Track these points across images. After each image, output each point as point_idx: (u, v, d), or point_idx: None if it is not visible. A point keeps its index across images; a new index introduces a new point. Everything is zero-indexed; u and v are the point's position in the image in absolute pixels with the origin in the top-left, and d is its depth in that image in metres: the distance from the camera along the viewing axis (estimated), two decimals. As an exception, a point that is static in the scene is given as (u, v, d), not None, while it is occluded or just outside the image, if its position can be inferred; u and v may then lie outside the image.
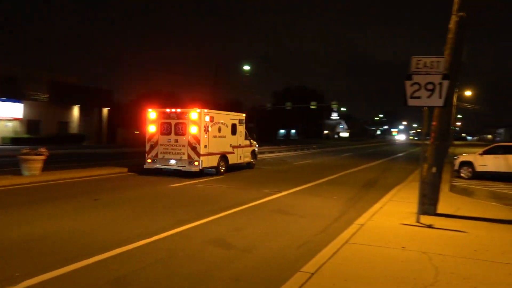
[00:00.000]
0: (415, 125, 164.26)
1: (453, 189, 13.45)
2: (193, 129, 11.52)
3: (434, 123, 8.23)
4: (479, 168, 16.59)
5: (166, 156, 11.80)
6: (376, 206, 9.37)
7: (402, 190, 12.15)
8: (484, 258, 5.49)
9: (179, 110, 11.85)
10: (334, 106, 56.17)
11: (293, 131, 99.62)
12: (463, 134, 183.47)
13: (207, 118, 11.96)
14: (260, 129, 41.33)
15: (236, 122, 13.95)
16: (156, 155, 11.91)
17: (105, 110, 36.56)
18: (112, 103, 37.98)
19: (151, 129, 12.07)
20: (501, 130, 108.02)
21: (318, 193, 11.64)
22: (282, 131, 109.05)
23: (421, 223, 7.46)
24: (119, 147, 30.22)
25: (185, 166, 11.54)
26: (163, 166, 11.85)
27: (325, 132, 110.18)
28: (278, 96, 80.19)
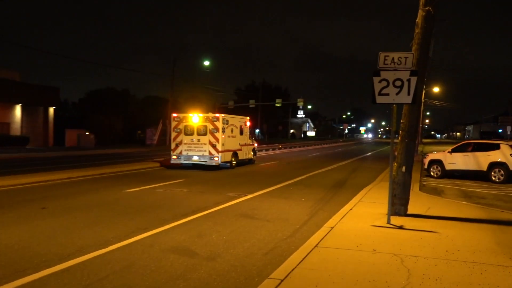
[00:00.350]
0: (383, 123, 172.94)
1: (423, 188, 14.15)
2: (213, 131, 16.13)
3: (403, 121, 8.67)
4: (448, 167, 17.50)
5: (190, 153, 16.23)
6: (346, 207, 9.64)
7: (372, 191, 12.65)
8: (456, 258, 5.76)
9: (201, 114, 16.34)
10: (300, 104, 57.13)
11: (257, 130, 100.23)
12: (432, 132, 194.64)
13: (224, 121, 16.41)
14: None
15: (243, 124, 18.81)
16: (181, 152, 16.34)
17: (51, 110, 35.32)
18: (59, 101, 37.06)
19: (176, 130, 16.45)
20: (469, 127, 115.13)
21: (286, 196, 11.91)
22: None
23: (392, 225, 7.79)
24: (67, 150, 30.06)
25: (206, 161, 16.04)
26: (187, 162, 16.19)
27: (292, 131, 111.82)
28: (241, 94, 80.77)
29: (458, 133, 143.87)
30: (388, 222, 7.95)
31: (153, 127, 41.76)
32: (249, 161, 20.19)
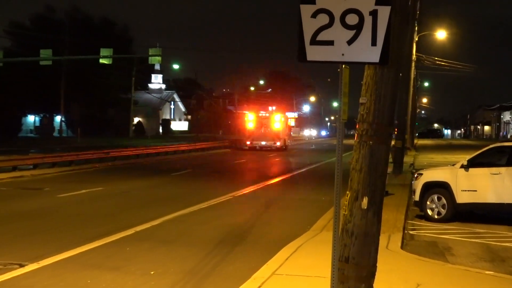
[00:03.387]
0: (335, 104, 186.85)
1: (410, 243, 14.94)
2: (276, 125, 71.23)
3: (363, 101, 8.95)
4: (461, 197, 18.59)
5: (260, 140, 70.15)
6: (245, 290, 10.26)
7: (303, 251, 13.17)
8: None
9: (267, 114, 76.61)
10: (155, 61, 56.87)
11: (58, 118, 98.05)
12: (435, 125, 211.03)
13: (281, 118, 73.37)
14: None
15: (288, 119, 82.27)
16: (253, 140, 69.68)
17: None
18: None
19: (250, 125, 71.10)
20: (509, 115, 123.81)
21: (116, 264, 12.56)
22: (31, 119, 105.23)
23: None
24: None
25: (271, 146, 69.19)
26: (257, 145, 69.51)
27: (138, 120, 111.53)
28: (24, 36, 79.19)
29: (486, 127, 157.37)
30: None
31: None
32: (285, 148, 70.42)
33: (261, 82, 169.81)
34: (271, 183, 30.99)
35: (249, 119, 71.10)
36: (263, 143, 68.67)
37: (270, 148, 68.00)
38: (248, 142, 69.33)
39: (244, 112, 72.61)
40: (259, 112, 76.31)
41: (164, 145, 60.19)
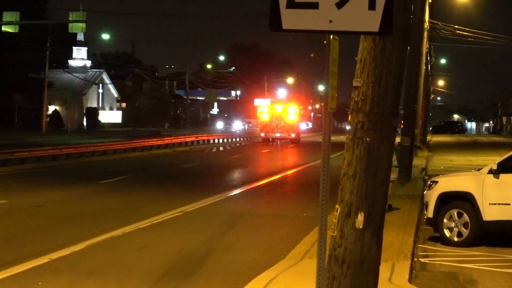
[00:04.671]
0: (321, 88, 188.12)
1: (420, 275, 15.01)
2: (290, 116, 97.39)
3: (357, 85, 8.98)
4: (490, 213, 18.67)
5: (274, 131, 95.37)
6: None
7: (278, 285, 13.15)
8: None
9: (282, 105, 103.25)
10: (78, 29, 56.25)
11: None
12: (454, 116, 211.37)
13: (295, 109, 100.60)
14: None
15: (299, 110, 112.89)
16: (267, 131, 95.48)
17: None
18: None
19: (264, 116, 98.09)
20: None
21: None
22: None
23: None
24: None
25: (286, 137, 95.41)
26: (271, 137, 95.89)
27: (53, 109, 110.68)
28: None
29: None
30: None
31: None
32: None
33: (221, 58, 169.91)
34: (238, 193, 31.34)
35: (263, 111, 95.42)
36: (277, 135, 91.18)
37: (285, 140, 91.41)
38: (262, 134, 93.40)
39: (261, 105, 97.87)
40: (274, 105, 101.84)
41: (92, 142, 59.54)
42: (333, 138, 8.84)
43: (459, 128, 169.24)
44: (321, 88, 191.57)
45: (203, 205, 26.73)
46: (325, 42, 8.33)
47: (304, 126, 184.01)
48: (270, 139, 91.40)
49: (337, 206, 8.97)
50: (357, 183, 9.00)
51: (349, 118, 9.08)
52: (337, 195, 8.84)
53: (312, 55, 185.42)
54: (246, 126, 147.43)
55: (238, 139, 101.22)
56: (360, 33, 8.32)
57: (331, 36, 8.27)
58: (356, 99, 8.91)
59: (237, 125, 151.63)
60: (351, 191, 8.98)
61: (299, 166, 49.54)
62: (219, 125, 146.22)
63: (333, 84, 8.65)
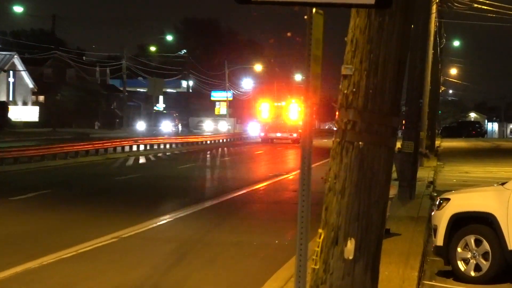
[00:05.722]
0: (298, 78, 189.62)
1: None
2: (292, 115, 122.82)
3: (347, 72, 9.04)
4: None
5: (275, 131, 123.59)
6: None
7: None
8: None
9: (284, 103, 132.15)
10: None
11: None
12: (471, 115, 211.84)
13: (298, 108, 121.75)
14: None
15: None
16: (268, 131, 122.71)
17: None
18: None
19: (264, 114, 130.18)
20: None
21: None
22: None
23: None
24: None
25: (287, 137, 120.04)
26: (273, 136, 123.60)
27: None
28: None
29: None
30: None
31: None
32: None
33: (169, 38, 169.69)
34: (189, 214, 31.24)
35: (263, 109, 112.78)
36: (279, 134, 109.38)
37: (286, 141, 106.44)
38: (262, 134, 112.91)
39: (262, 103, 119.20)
40: (275, 103, 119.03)
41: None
42: (315, 142, 8.91)
43: (477, 130, 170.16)
44: (298, 78, 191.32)
45: (144, 229, 26.67)
46: (305, 17, 8.37)
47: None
48: (270, 139, 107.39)
49: (320, 230, 9.02)
50: (346, 201, 9.07)
51: (336, 117, 9.12)
52: (321, 216, 8.88)
53: (289, 34, 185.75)
54: (180, 126, 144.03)
55: (196, 143, 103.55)
56: (351, 5, 8.41)
57: (314, 10, 8.32)
58: (345, 92, 8.97)
59: (166, 126, 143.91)
60: (339, 211, 9.05)
61: (276, 176, 50.34)
62: (140, 125, 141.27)
63: (315, 72, 8.70)
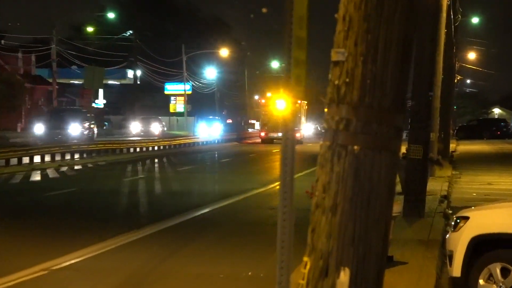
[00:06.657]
0: (275, 65, 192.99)
1: None
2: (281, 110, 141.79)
3: (340, 58, 9.07)
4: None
5: (275, 131, 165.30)
6: None
7: None
8: None
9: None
10: None
11: None
12: (494, 111, 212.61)
13: (302, 105, 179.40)
14: None
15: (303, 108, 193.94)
16: (268, 131, 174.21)
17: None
18: None
19: (264, 113, 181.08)
20: None
21: None
22: None
23: None
24: None
25: None
26: (273, 137, 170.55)
27: None
28: None
29: None
30: None
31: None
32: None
33: (110, 15, 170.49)
34: (139, 239, 31.14)
35: (264, 108, 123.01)
36: (279, 134, 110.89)
37: None
38: (262, 134, 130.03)
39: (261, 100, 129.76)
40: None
41: None
42: (298, 147, 8.98)
43: (502, 130, 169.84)
44: (275, 65, 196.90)
45: (81, 258, 26.58)
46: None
47: (311, 126, 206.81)
48: (270, 139, 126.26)
49: (305, 258, 9.07)
50: (338, 221, 9.10)
51: (326, 114, 9.15)
52: (306, 240, 8.93)
53: (264, 10, 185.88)
54: (96, 129, 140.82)
55: (154, 147, 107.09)
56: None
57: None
58: (336, 83, 9.00)
59: (75, 129, 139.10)
60: (329, 233, 9.09)
61: (249, 190, 49.73)
62: (38, 128, 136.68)
63: (299, 58, 8.74)
